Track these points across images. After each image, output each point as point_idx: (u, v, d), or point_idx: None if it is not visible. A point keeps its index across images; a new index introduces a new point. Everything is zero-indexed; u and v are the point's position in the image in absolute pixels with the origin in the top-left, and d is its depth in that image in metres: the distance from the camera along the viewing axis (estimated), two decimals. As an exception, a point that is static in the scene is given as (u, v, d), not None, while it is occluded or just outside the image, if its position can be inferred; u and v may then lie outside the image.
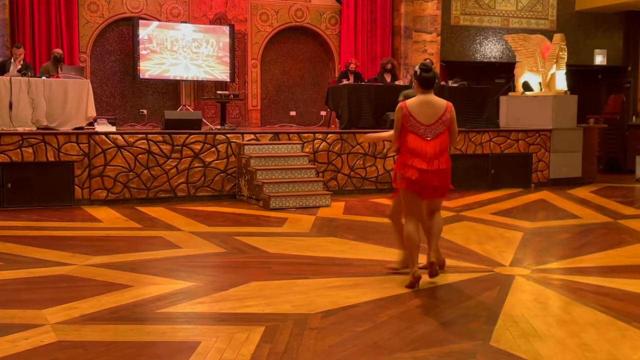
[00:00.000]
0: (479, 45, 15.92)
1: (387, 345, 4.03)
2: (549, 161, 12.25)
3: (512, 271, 5.94)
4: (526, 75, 12.95)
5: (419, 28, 14.65)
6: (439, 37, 14.77)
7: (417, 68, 5.44)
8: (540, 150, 12.18)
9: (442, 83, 12.82)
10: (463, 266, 6.11)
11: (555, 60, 12.56)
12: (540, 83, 12.78)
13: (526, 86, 12.87)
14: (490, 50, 16.01)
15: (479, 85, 13.87)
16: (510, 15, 16.00)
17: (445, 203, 9.88)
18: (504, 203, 10.19)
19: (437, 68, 13.88)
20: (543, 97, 12.56)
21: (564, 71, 12.72)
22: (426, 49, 14.57)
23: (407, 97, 5.62)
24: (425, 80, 5.38)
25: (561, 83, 12.66)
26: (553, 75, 12.59)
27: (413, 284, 5.29)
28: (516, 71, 13.16)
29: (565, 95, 12.66)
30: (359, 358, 3.87)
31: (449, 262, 6.25)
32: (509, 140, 11.96)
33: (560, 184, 12.08)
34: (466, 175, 11.57)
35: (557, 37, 12.67)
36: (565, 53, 12.67)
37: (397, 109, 5.41)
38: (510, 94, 13.22)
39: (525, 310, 4.77)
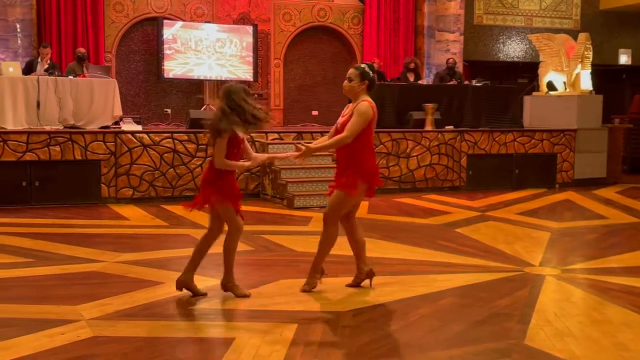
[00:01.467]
0: (502, 45, 15.85)
1: (420, 344, 4.03)
2: (574, 161, 12.15)
3: (542, 271, 5.91)
4: (550, 75, 12.87)
5: (442, 27, 14.62)
6: (462, 37, 14.74)
7: (369, 70, 5.10)
8: (565, 150, 12.09)
9: (466, 82, 12.79)
10: (492, 266, 6.09)
11: (580, 60, 12.47)
12: (564, 82, 12.70)
13: (550, 86, 12.79)
14: (513, 49, 15.93)
15: (502, 84, 13.80)
16: (534, 14, 15.91)
17: (469, 203, 9.94)
18: (529, 203, 10.13)
19: (460, 67, 13.84)
20: (567, 97, 12.47)
21: (589, 71, 12.62)
22: (449, 48, 14.55)
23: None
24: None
25: (586, 83, 12.57)
26: (578, 74, 12.50)
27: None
28: (540, 71, 13.08)
29: (590, 95, 12.57)
30: (393, 356, 3.87)
31: (477, 261, 6.24)
32: (533, 140, 11.89)
33: (585, 185, 11.98)
34: (490, 175, 11.54)
35: (582, 36, 12.58)
36: (591, 52, 12.58)
37: (369, 107, 4.97)
38: (534, 93, 13.14)
39: (557, 309, 4.75)
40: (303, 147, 4.98)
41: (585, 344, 4.07)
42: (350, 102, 5.21)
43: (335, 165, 5.29)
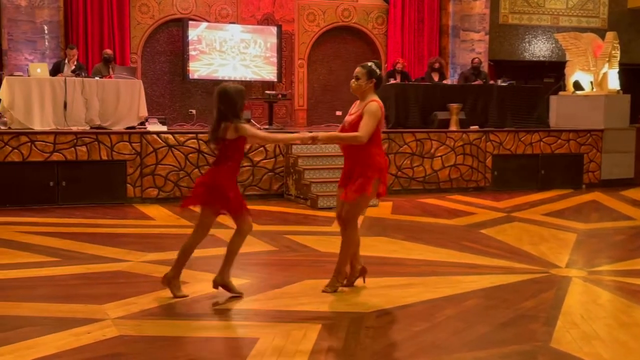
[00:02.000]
0: (527, 44, 15.71)
1: (446, 346, 4.01)
2: (601, 162, 12.01)
3: (568, 273, 5.84)
4: (577, 74, 12.73)
5: (467, 27, 14.54)
6: (487, 36, 14.64)
7: (376, 68, 5.08)
8: (592, 150, 11.95)
9: (491, 82, 12.70)
10: (518, 267, 6.03)
11: (607, 59, 12.32)
12: (591, 82, 12.56)
13: (577, 85, 12.65)
14: (539, 49, 15.78)
15: (528, 84, 13.67)
16: (560, 13, 15.75)
17: (494, 203, 9.86)
18: (555, 204, 10.03)
19: (485, 67, 13.75)
20: (594, 97, 12.33)
21: (617, 70, 12.47)
22: (474, 47, 14.46)
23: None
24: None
25: (613, 82, 12.42)
26: (605, 74, 12.36)
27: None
28: (567, 70, 12.95)
29: (617, 94, 12.41)
30: (418, 358, 3.85)
31: (503, 262, 6.19)
32: (559, 141, 11.77)
33: (612, 185, 11.83)
34: (515, 175, 11.45)
35: (610, 35, 12.43)
36: (618, 52, 12.43)
37: (378, 107, 4.99)
38: (560, 93, 13.01)
39: (584, 312, 4.69)
40: (319, 134, 5.00)
41: (613, 347, 4.01)
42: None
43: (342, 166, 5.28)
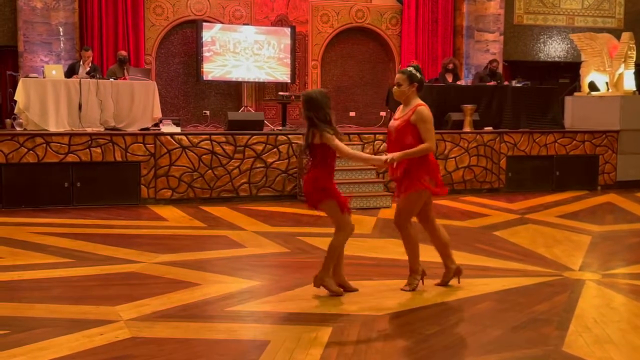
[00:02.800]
0: (542, 45, 15.63)
1: (458, 349, 4.00)
2: (616, 163, 11.92)
3: (581, 276, 5.81)
4: (592, 75, 12.65)
5: (481, 27, 14.48)
6: (502, 37, 14.58)
7: (416, 72, 5.17)
8: (607, 151, 11.86)
9: (505, 83, 12.64)
10: (531, 270, 6.00)
11: (623, 60, 12.24)
12: (607, 83, 12.47)
13: (592, 86, 12.57)
14: (554, 49, 15.69)
15: (543, 85, 13.60)
16: (576, 13, 15.65)
17: (508, 205, 9.81)
18: (570, 206, 9.97)
19: (500, 67, 13.68)
20: (610, 98, 12.24)
21: (633, 71, 12.37)
22: (488, 48, 14.40)
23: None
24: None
25: (629, 83, 12.33)
26: (621, 74, 12.27)
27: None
28: (582, 71, 12.87)
29: (633, 95, 12.33)
30: (429, 361, 3.84)
31: (516, 265, 6.17)
32: (574, 142, 11.69)
33: (628, 187, 11.73)
34: (530, 177, 11.39)
35: (626, 35, 12.34)
36: (634, 52, 12.34)
37: (429, 112, 5.13)
38: (575, 94, 12.93)
39: (597, 315, 4.66)
40: (392, 155, 5.05)
41: (626, 352, 3.98)
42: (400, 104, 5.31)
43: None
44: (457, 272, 5.44)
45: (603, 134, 11.84)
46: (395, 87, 5.20)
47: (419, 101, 5.14)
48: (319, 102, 4.93)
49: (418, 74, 5.14)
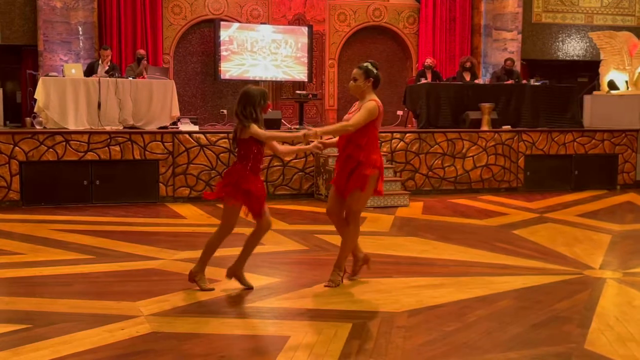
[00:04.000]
0: (561, 43, 15.53)
1: (478, 346, 3.98)
2: (636, 162, 11.81)
3: (602, 274, 5.76)
4: (612, 74, 12.57)
5: (499, 26, 14.42)
6: (520, 35, 14.50)
7: (373, 68, 5.22)
8: (627, 151, 11.76)
9: (524, 82, 12.57)
10: (551, 268, 5.96)
11: (643, 58, 12.15)
12: (626, 81, 12.37)
13: (612, 85, 12.48)
14: (573, 48, 15.59)
15: (562, 84, 13.51)
16: (595, 12, 15.53)
17: (527, 204, 9.76)
18: (589, 205, 9.89)
19: (518, 66, 13.62)
20: (630, 96, 12.14)
21: (653, 69, 12.28)
22: (506, 47, 14.33)
23: None
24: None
25: (649, 81, 12.23)
26: (640, 73, 12.18)
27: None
28: (601, 69, 12.79)
29: (653, 93, 12.22)
30: (450, 358, 3.83)
31: (535, 263, 6.14)
32: (593, 141, 11.60)
33: (648, 186, 11.65)
34: (548, 176, 11.33)
35: (646, 33, 12.25)
36: (654, 50, 12.24)
37: (375, 106, 5.14)
38: (594, 92, 12.84)
39: (619, 314, 4.62)
40: (310, 129, 5.11)
41: (649, 350, 3.94)
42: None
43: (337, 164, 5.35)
44: (366, 260, 5.51)
45: (622, 133, 11.74)
46: (351, 81, 5.28)
47: (373, 96, 5.20)
48: (250, 99, 4.94)
49: (374, 70, 5.22)
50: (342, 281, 5.35)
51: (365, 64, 5.27)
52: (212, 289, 5.09)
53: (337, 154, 5.39)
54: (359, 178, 5.10)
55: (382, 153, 10.18)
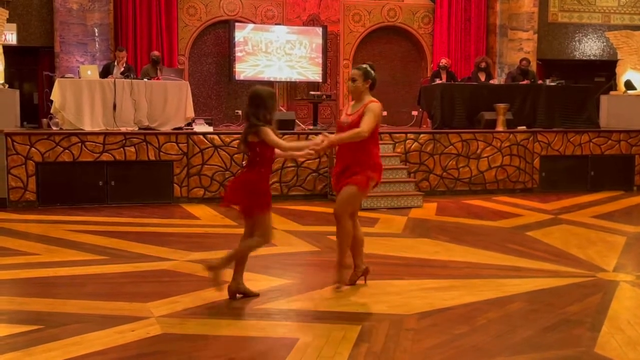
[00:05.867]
0: (577, 43, 15.41)
1: (487, 349, 3.97)
2: (653, 163, 11.72)
3: (615, 277, 5.72)
4: (629, 74, 12.45)
5: (514, 26, 14.34)
6: (536, 35, 14.42)
7: (371, 69, 5.22)
8: (644, 151, 11.67)
9: (540, 82, 12.49)
10: (563, 271, 5.93)
11: (660, 58, 12.03)
12: (644, 81, 12.26)
13: (629, 85, 12.37)
14: (589, 47, 15.47)
15: (578, 84, 13.41)
16: (612, 11, 15.40)
17: (541, 205, 9.70)
18: (605, 206, 9.82)
19: (533, 66, 13.53)
20: (647, 96, 12.03)
21: (670, 69, 12.16)
22: (522, 47, 14.26)
23: None
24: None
25: (667, 81, 12.12)
26: (658, 73, 12.06)
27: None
28: (618, 69, 12.68)
29: (671, 94, 12.10)
30: (458, 361, 3.83)
31: (548, 265, 6.10)
32: (610, 141, 11.51)
33: (665, 187, 11.54)
34: (564, 177, 11.26)
35: (663, 33, 12.13)
36: (672, 50, 12.11)
37: (379, 107, 5.15)
38: (611, 92, 12.73)
39: (631, 317, 4.59)
40: (326, 137, 5.01)
41: (660, 354, 3.91)
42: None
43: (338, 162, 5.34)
44: (365, 272, 5.43)
45: (639, 134, 11.63)
46: (350, 82, 5.28)
47: (371, 98, 5.22)
48: (262, 101, 4.78)
49: (372, 72, 5.23)
50: (357, 278, 5.35)
51: (364, 66, 5.29)
52: (258, 294, 5.01)
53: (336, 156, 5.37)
54: (358, 176, 5.09)
55: (395, 154, 10.25)
